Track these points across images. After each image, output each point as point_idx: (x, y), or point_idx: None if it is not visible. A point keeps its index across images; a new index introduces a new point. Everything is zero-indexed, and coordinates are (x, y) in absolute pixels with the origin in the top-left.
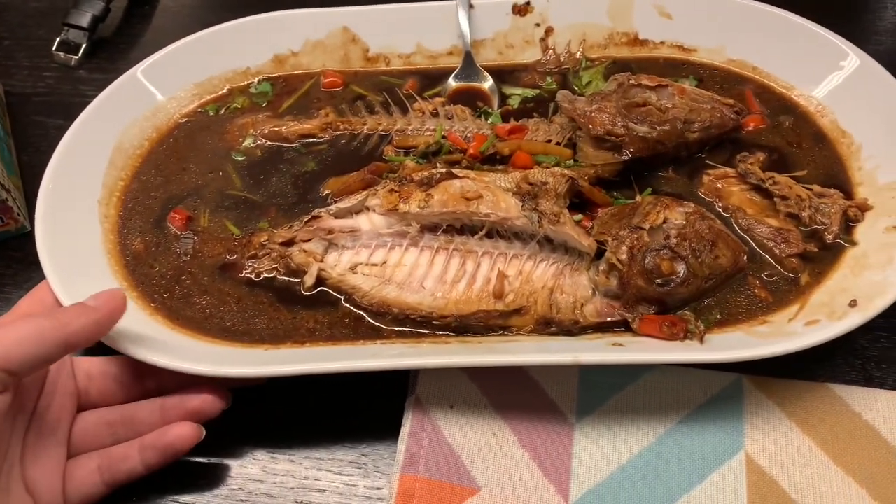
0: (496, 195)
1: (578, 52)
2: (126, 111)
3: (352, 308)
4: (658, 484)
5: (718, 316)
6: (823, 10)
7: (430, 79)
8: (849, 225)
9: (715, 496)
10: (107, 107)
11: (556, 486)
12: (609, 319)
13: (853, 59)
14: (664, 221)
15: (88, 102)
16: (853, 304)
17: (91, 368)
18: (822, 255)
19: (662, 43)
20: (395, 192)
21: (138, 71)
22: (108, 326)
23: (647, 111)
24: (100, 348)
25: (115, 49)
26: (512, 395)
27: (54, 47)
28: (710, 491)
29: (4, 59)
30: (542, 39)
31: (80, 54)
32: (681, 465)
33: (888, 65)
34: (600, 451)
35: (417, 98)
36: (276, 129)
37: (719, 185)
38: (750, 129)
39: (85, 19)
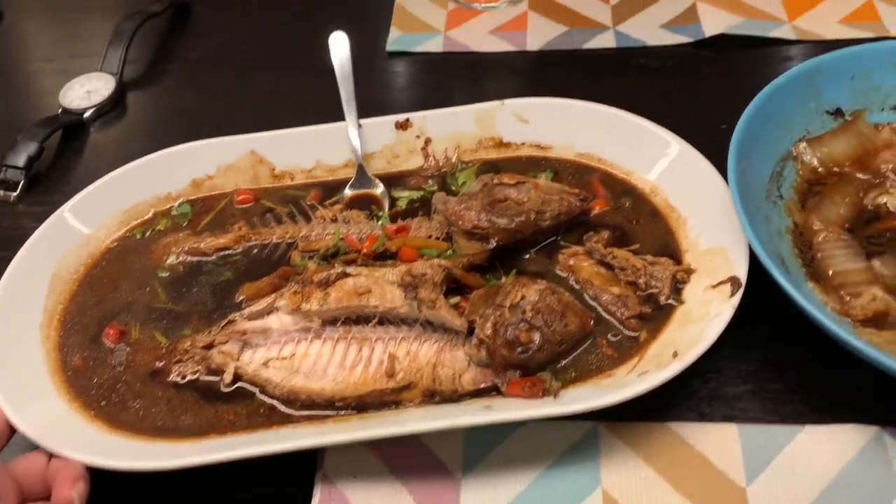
0: (383, 288)
1: (454, 157)
2: (59, 245)
3: (266, 399)
4: None
5: (574, 374)
6: (654, 109)
7: (331, 189)
8: (678, 287)
9: None
10: (41, 243)
11: None
12: (483, 385)
13: (675, 146)
14: (522, 298)
15: (29, 234)
16: (675, 354)
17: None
18: (656, 314)
19: (523, 144)
20: (298, 293)
21: (65, 211)
22: None
23: (506, 206)
24: None
25: (50, 183)
26: (406, 459)
27: None
28: None
29: None
30: (423, 148)
31: (18, 191)
32: None
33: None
34: (483, 500)
35: (319, 207)
36: (195, 245)
37: (572, 262)
38: (597, 211)
39: (21, 159)
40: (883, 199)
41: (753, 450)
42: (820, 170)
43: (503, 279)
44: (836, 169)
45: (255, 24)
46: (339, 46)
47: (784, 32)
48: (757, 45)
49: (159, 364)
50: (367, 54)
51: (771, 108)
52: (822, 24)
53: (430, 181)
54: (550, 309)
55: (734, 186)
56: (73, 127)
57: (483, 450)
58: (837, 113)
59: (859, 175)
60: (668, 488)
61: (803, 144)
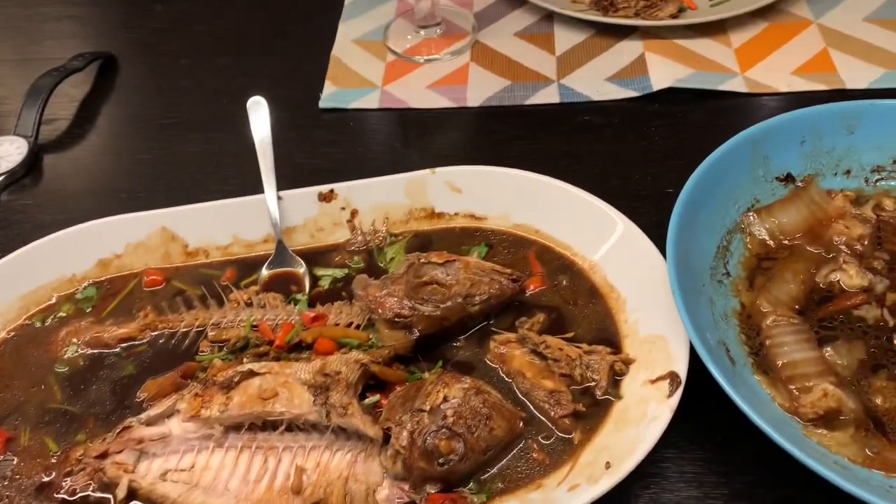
0: (291, 391)
1: (383, 230)
2: None
3: None
4: None
5: (500, 485)
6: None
7: (249, 266)
8: (616, 379)
9: None
10: None
11: None
12: (398, 503)
13: (620, 225)
14: (444, 400)
15: None
16: (608, 465)
17: None
18: (592, 410)
19: (456, 214)
20: (199, 396)
21: None
22: None
23: (432, 290)
24: None
25: None
26: None
27: None
28: None
29: None
30: (349, 221)
31: None
32: None
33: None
34: None
35: (233, 289)
36: (98, 335)
37: (503, 351)
38: (532, 290)
39: None
40: (836, 277)
41: None
42: (769, 242)
43: (426, 375)
44: (786, 241)
45: (184, 81)
46: (259, 113)
47: (736, 85)
48: (708, 97)
49: (47, 477)
50: (301, 112)
51: (716, 177)
52: (776, 75)
53: (356, 257)
54: (475, 412)
55: (673, 274)
56: None
57: None
58: (788, 179)
59: (811, 248)
60: None
61: (752, 214)
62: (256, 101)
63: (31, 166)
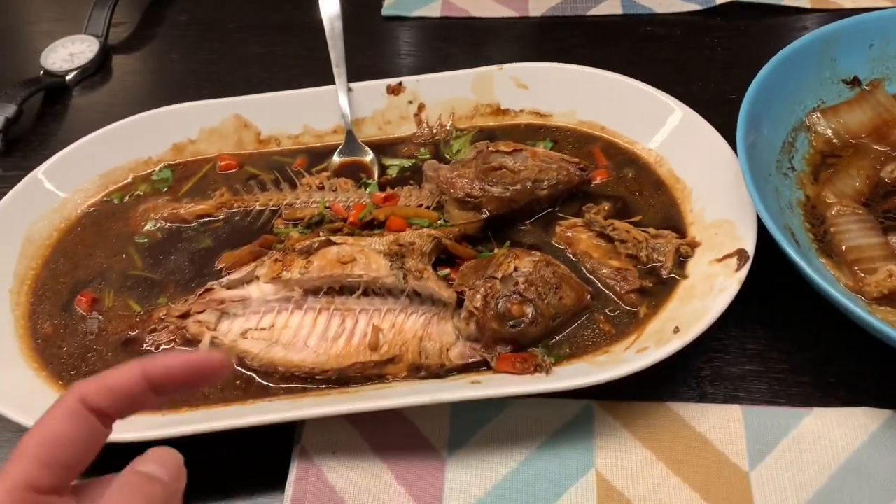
0: (368, 257)
1: (448, 124)
2: (32, 208)
3: (243, 370)
4: None
5: (568, 350)
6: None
7: (318, 155)
8: (681, 261)
9: None
10: (14, 206)
11: None
12: (471, 360)
13: (679, 113)
14: (515, 270)
15: (2, 199)
16: (676, 330)
17: None
18: (658, 288)
19: (522, 111)
20: (279, 261)
21: (39, 172)
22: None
23: (501, 174)
24: None
25: (29, 147)
26: (389, 437)
27: None
28: None
29: None
30: (416, 115)
31: None
32: (539, 486)
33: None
34: (469, 480)
35: (305, 174)
36: (175, 211)
37: (570, 234)
38: (598, 181)
39: None
40: None
41: (758, 433)
42: (835, 141)
43: (496, 251)
44: (851, 140)
45: None
46: (330, 5)
47: (799, 1)
48: (770, 13)
49: (132, 333)
50: (363, 19)
51: (783, 76)
52: None
53: (423, 149)
54: (545, 281)
55: (743, 157)
56: (54, 90)
57: (470, 428)
58: (854, 82)
59: (876, 147)
60: (665, 471)
61: (817, 114)
62: None
63: (101, 64)
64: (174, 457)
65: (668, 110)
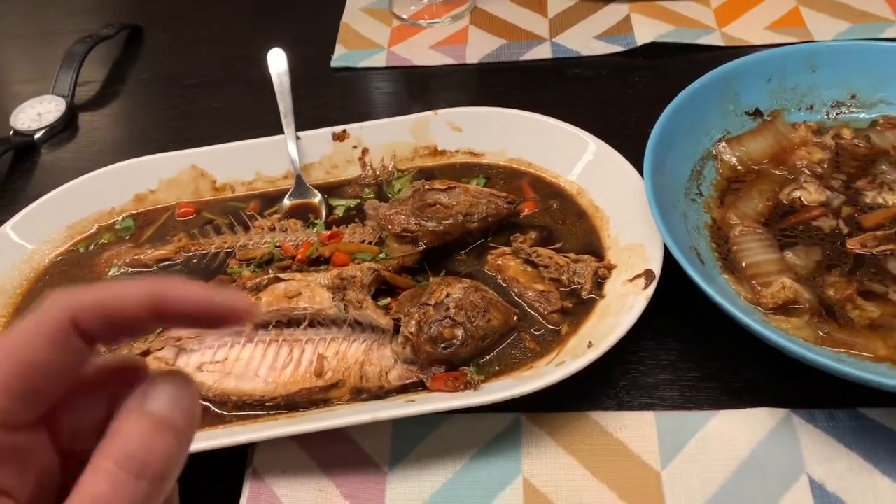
0: (313, 291)
1: (390, 166)
2: (2, 261)
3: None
4: None
5: (497, 368)
6: (588, 116)
7: (270, 199)
8: (599, 282)
9: None
10: None
11: None
12: (408, 381)
13: (592, 146)
14: (447, 296)
15: None
16: (590, 345)
17: None
18: (578, 308)
19: (457, 151)
20: None
21: (8, 227)
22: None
23: (435, 209)
24: None
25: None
26: (334, 455)
27: None
28: None
29: None
30: (360, 158)
31: None
32: (472, 493)
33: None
34: (408, 491)
35: (258, 217)
36: (137, 257)
37: (500, 262)
38: (526, 213)
39: None
40: (797, 194)
41: (669, 435)
42: (739, 167)
43: (431, 280)
44: (754, 166)
45: (204, 45)
46: (278, 62)
47: (713, 39)
48: (687, 51)
49: None
50: (314, 71)
51: (689, 110)
52: (750, 30)
53: (367, 189)
54: (473, 305)
55: (649, 186)
56: (23, 148)
57: (410, 443)
58: (756, 113)
59: (776, 171)
60: (587, 475)
61: (723, 144)
62: (276, 52)
63: (68, 122)
64: (189, 391)
65: (585, 145)
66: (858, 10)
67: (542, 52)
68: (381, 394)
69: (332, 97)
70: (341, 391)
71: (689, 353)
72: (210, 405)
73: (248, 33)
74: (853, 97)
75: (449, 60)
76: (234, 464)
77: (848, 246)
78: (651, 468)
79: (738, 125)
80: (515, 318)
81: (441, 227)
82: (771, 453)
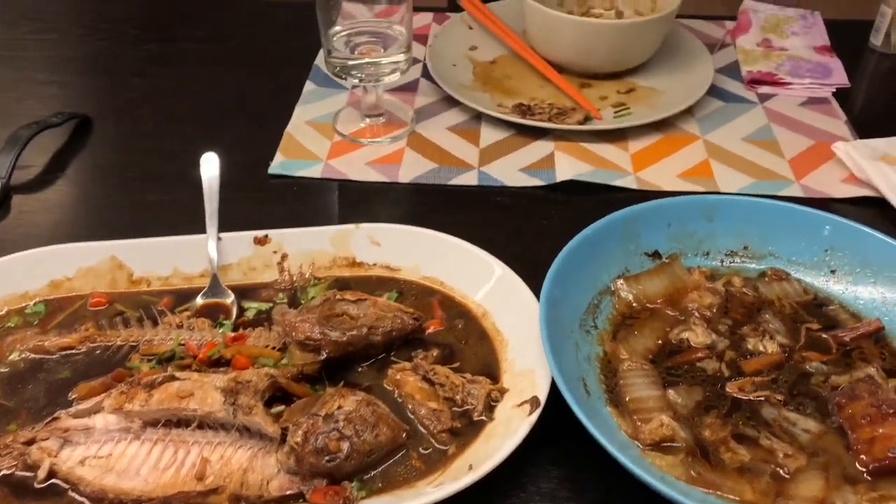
0: (205, 393)
1: (308, 273)
2: None
3: (76, 496)
4: None
5: (380, 484)
6: (504, 242)
7: (184, 296)
8: (491, 405)
9: None
10: None
11: None
12: (289, 492)
13: (498, 271)
14: (338, 408)
15: None
16: (470, 467)
17: None
18: (468, 429)
19: (374, 264)
20: (124, 393)
21: None
22: None
23: (341, 320)
24: None
25: None
26: None
27: None
28: None
29: None
30: (279, 263)
31: None
32: None
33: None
34: None
35: (168, 313)
36: (41, 343)
37: (399, 377)
38: (431, 330)
39: None
40: (686, 335)
41: None
42: (634, 304)
43: (327, 390)
44: (649, 305)
45: (149, 142)
46: (209, 165)
47: (628, 182)
48: (603, 191)
49: None
50: (253, 175)
51: (592, 246)
52: (662, 177)
53: (281, 294)
54: (363, 419)
55: (543, 315)
56: None
57: None
58: (655, 255)
59: (668, 312)
60: None
61: (621, 281)
62: (209, 156)
63: (0, 203)
64: None
65: (492, 270)
66: (763, 167)
67: (469, 178)
68: (259, 502)
69: (266, 202)
70: (220, 497)
71: (569, 482)
72: (87, 501)
73: (193, 133)
74: (745, 248)
75: (382, 178)
76: None
77: (727, 389)
78: None
79: (638, 264)
80: (405, 435)
81: (344, 338)
82: None
